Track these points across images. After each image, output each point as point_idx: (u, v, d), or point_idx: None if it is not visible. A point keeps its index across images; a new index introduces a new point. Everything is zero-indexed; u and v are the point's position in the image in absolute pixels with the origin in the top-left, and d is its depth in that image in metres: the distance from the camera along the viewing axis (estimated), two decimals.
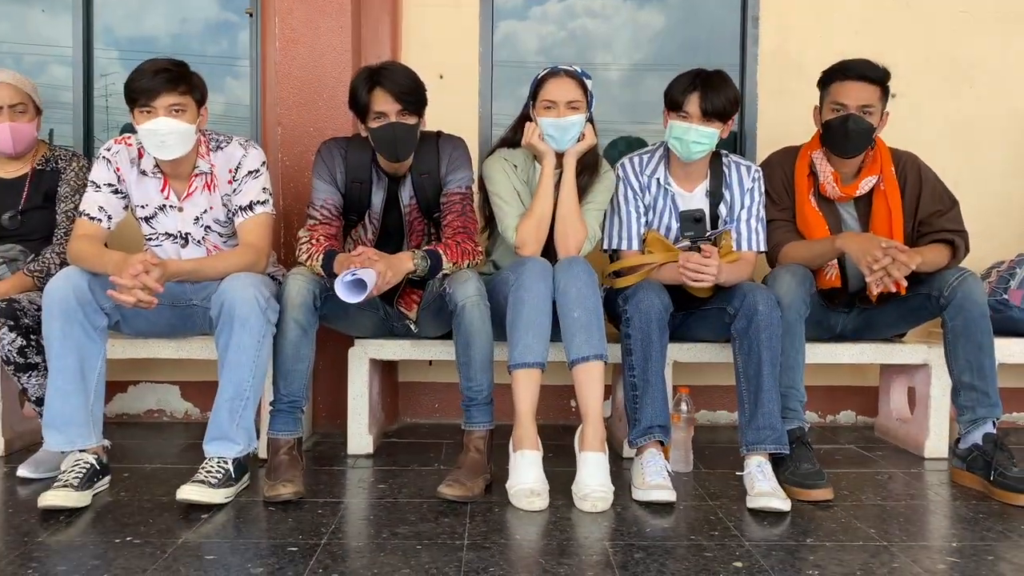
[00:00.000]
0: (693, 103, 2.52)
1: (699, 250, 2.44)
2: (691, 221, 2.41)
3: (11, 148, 2.75)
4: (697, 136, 2.53)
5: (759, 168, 2.75)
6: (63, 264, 2.61)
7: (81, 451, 2.27)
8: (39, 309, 2.39)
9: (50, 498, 2.12)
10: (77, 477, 2.20)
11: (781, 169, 2.75)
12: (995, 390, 2.46)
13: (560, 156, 2.58)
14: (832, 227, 2.69)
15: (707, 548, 1.93)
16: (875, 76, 2.56)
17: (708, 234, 2.58)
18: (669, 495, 2.24)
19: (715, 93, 2.50)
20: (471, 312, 2.35)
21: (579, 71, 2.57)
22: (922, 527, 2.12)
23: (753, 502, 2.21)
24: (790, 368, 2.47)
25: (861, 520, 2.15)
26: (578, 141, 2.55)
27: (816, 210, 2.68)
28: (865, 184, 2.67)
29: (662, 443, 2.41)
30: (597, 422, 2.30)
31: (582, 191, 2.62)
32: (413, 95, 2.42)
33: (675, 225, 2.67)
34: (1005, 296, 2.91)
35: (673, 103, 2.57)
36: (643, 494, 2.26)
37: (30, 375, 2.48)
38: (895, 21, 3.40)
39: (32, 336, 2.47)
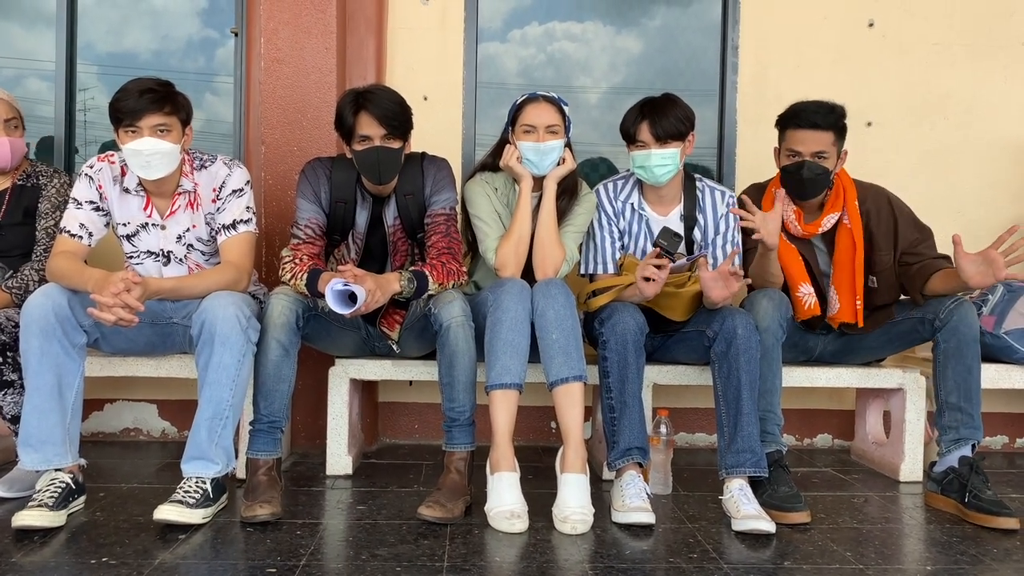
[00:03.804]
0: (644, 131, 2.57)
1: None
2: (669, 235, 2.45)
3: (9, 162, 2.74)
4: (659, 160, 2.58)
5: (734, 194, 2.79)
6: (42, 281, 2.58)
7: (57, 470, 2.25)
8: (16, 326, 2.38)
9: (25, 518, 2.09)
10: (52, 497, 2.17)
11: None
12: (979, 414, 2.52)
13: (540, 179, 2.61)
14: (806, 257, 2.74)
15: (686, 571, 1.94)
16: (826, 123, 2.58)
17: (687, 259, 2.61)
18: (648, 517, 2.25)
19: (662, 116, 2.55)
20: (456, 332, 2.36)
21: (557, 97, 2.61)
22: (897, 550, 2.14)
23: (740, 525, 2.23)
24: (768, 392, 2.50)
25: (838, 543, 2.17)
26: (558, 165, 2.59)
27: (788, 243, 2.72)
28: (827, 222, 2.71)
29: (641, 465, 2.43)
30: (578, 443, 2.31)
31: (562, 213, 2.64)
32: (398, 119, 2.44)
33: (651, 248, 2.71)
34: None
35: (627, 136, 2.63)
36: (623, 516, 2.27)
37: (6, 393, 2.45)
38: (871, 52, 3.47)
39: (8, 353, 2.44)
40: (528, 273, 2.59)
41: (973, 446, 2.50)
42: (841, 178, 2.73)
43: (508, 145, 2.62)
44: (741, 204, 2.69)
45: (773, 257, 2.60)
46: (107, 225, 2.51)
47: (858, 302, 2.69)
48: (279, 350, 2.34)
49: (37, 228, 2.75)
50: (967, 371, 2.52)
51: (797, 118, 2.62)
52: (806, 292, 2.70)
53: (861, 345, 2.87)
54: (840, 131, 2.63)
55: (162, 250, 2.52)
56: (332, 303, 2.24)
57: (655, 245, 2.48)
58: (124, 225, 2.51)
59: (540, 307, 2.38)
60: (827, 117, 2.59)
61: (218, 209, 2.49)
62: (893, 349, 2.88)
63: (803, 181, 2.62)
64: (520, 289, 2.40)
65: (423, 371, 2.76)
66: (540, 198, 2.61)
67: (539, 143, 2.55)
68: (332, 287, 2.24)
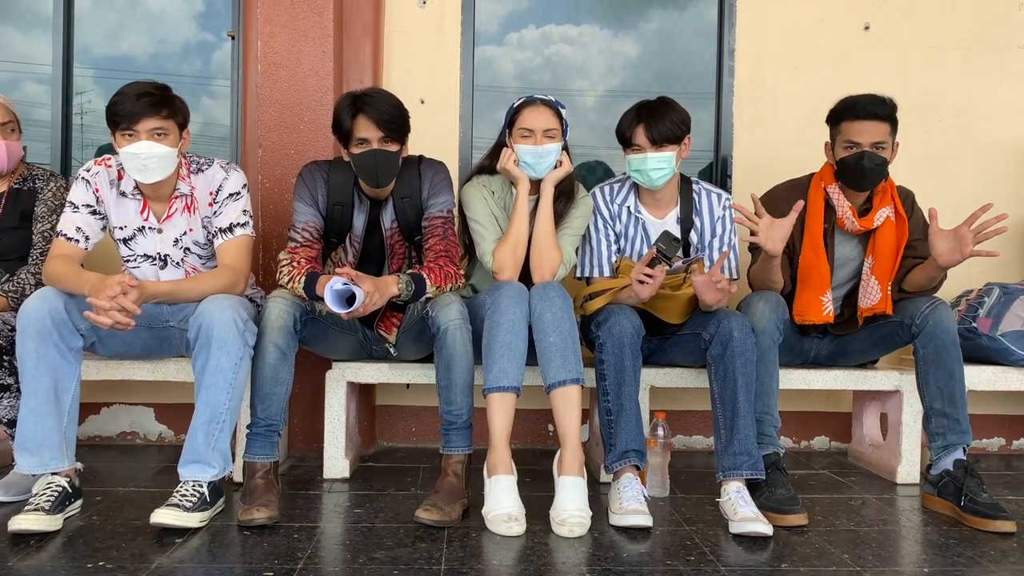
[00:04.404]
0: (640, 135, 2.58)
1: (659, 263, 2.47)
2: (669, 240, 2.44)
3: (5, 166, 2.74)
4: (655, 163, 2.58)
5: (730, 196, 2.79)
6: (38, 284, 2.58)
7: (53, 474, 2.24)
8: (12, 330, 2.38)
9: (21, 522, 2.09)
10: (49, 500, 2.17)
11: (787, 204, 2.61)
12: (965, 417, 2.51)
13: (537, 182, 2.62)
14: (831, 258, 2.73)
15: (683, 573, 1.94)
16: (884, 113, 2.59)
17: (683, 261, 2.62)
18: (646, 520, 2.25)
19: (658, 120, 2.56)
20: (453, 335, 2.36)
21: (554, 100, 2.61)
22: (894, 552, 2.14)
23: (737, 527, 2.23)
24: (764, 394, 2.50)
25: (835, 545, 2.17)
26: (555, 168, 2.59)
27: (821, 247, 2.71)
28: (879, 216, 2.70)
29: (638, 467, 2.43)
30: (575, 446, 2.31)
31: (559, 216, 2.65)
32: (396, 122, 2.44)
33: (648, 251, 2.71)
34: (974, 324, 2.97)
35: (623, 139, 2.64)
36: (620, 519, 2.27)
37: (2, 397, 2.45)
38: (868, 55, 3.48)
39: (5, 357, 2.43)
40: (525, 276, 2.59)
41: (964, 449, 2.50)
42: None
43: (505, 148, 2.62)
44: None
45: (776, 264, 2.58)
46: (104, 229, 2.51)
47: (889, 290, 2.68)
48: (276, 353, 2.34)
49: (33, 232, 2.75)
50: (948, 376, 2.51)
51: (854, 109, 2.62)
52: (828, 299, 2.70)
53: (852, 347, 2.87)
54: (894, 123, 2.64)
55: (159, 254, 2.52)
56: (331, 302, 2.24)
57: (654, 246, 2.48)
58: (121, 229, 2.51)
59: (537, 310, 2.38)
60: (883, 107, 2.60)
61: (215, 213, 2.49)
62: (880, 351, 2.88)
63: (863, 171, 2.60)
64: (518, 292, 2.40)
65: (420, 374, 2.76)
66: (537, 201, 2.62)
67: (536, 146, 2.56)
68: (332, 286, 2.25)
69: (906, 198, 2.79)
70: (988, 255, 2.44)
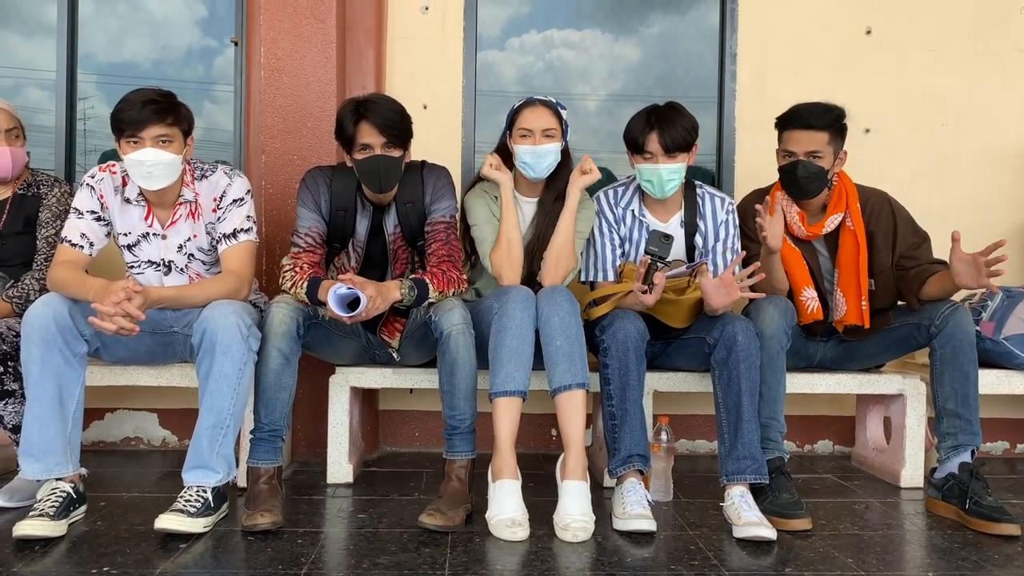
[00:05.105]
0: (653, 142, 2.58)
1: (656, 269, 2.47)
2: (658, 238, 2.44)
3: (10, 172, 2.74)
4: (668, 174, 2.59)
5: (733, 200, 2.80)
6: (43, 290, 2.59)
7: (58, 479, 2.25)
8: (17, 335, 2.38)
9: (25, 527, 2.09)
10: (53, 506, 2.17)
11: (753, 211, 2.74)
12: (977, 419, 2.52)
13: (536, 184, 2.66)
14: (809, 261, 2.74)
15: None
16: (820, 124, 2.61)
17: (687, 266, 2.62)
18: (649, 525, 2.25)
19: (672, 127, 2.56)
20: (456, 340, 2.36)
21: (554, 101, 2.62)
22: (899, 557, 2.14)
23: (741, 532, 2.23)
24: (772, 399, 2.50)
25: (839, 550, 2.17)
26: (583, 174, 2.59)
27: (792, 246, 2.73)
28: (831, 222, 2.73)
29: (642, 472, 2.43)
30: (579, 451, 2.32)
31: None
32: (398, 128, 2.45)
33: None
34: (977, 328, 2.97)
35: (634, 145, 2.64)
36: (623, 524, 2.27)
37: (6, 402, 2.45)
38: (869, 59, 3.48)
39: (9, 363, 2.44)
40: (530, 281, 2.60)
41: (973, 452, 2.51)
42: (843, 180, 2.75)
43: (488, 154, 2.66)
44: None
45: (777, 261, 2.61)
46: (108, 235, 2.51)
47: (864, 303, 2.70)
48: (280, 359, 2.35)
49: (38, 237, 2.76)
50: (964, 377, 2.52)
51: (792, 119, 2.66)
52: (809, 296, 2.71)
53: (860, 351, 2.87)
54: (837, 131, 2.65)
55: (163, 260, 2.53)
56: (334, 306, 2.25)
57: (646, 252, 2.48)
58: (125, 235, 2.52)
59: (545, 314, 2.38)
60: (821, 117, 2.61)
61: (219, 218, 2.50)
62: (891, 355, 2.88)
63: (798, 180, 2.64)
64: (525, 297, 2.40)
65: (423, 379, 2.76)
66: (538, 203, 2.65)
67: (535, 146, 2.57)
68: (335, 291, 2.26)
69: (877, 201, 2.78)
70: (991, 288, 2.51)
